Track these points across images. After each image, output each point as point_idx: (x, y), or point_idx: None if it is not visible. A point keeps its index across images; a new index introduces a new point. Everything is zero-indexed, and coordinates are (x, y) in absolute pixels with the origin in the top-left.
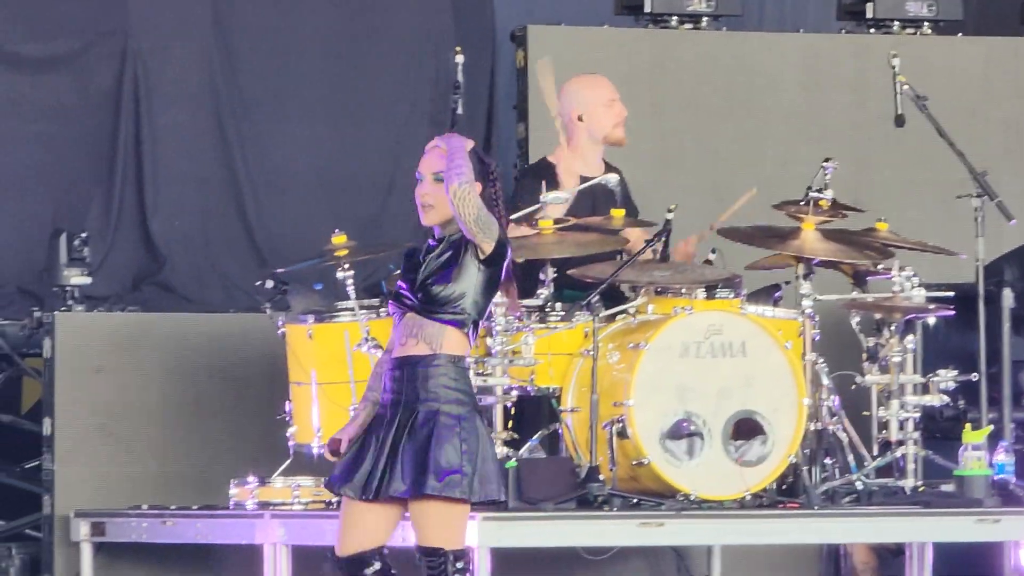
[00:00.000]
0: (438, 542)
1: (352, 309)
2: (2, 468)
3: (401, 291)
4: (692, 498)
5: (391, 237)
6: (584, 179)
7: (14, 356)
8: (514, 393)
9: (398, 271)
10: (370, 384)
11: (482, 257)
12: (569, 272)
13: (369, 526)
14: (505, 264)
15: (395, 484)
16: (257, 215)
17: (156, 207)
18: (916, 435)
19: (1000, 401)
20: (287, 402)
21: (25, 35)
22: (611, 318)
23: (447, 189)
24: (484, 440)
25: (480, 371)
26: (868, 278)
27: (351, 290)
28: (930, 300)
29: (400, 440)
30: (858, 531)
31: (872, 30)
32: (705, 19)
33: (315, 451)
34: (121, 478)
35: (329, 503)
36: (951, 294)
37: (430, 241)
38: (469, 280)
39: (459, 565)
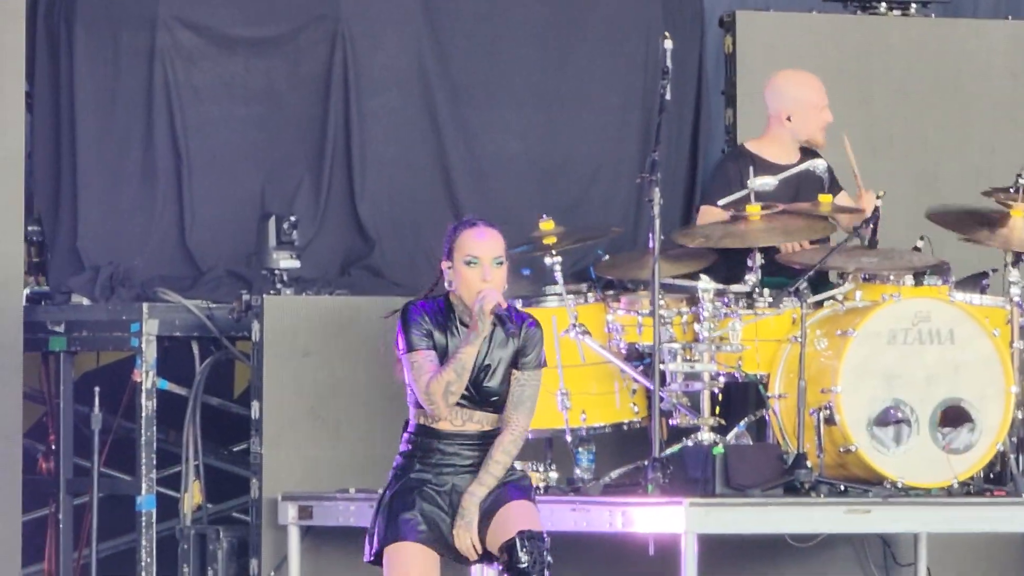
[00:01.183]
0: (540, 527)
1: (560, 294)
2: (211, 451)
3: None
4: (899, 485)
5: (598, 223)
6: (791, 165)
7: (223, 340)
8: (721, 379)
9: (606, 256)
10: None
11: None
12: (776, 258)
13: (435, 571)
14: None
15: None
16: (466, 200)
17: (364, 191)
18: None
19: None
20: None
21: (238, 19)
22: (819, 304)
23: (519, 423)
24: None
25: (687, 357)
26: None
27: (559, 275)
28: None
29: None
30: None
31: None
32: (914, 6)
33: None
34: (328, 462)
35: (537, 487)
36: None
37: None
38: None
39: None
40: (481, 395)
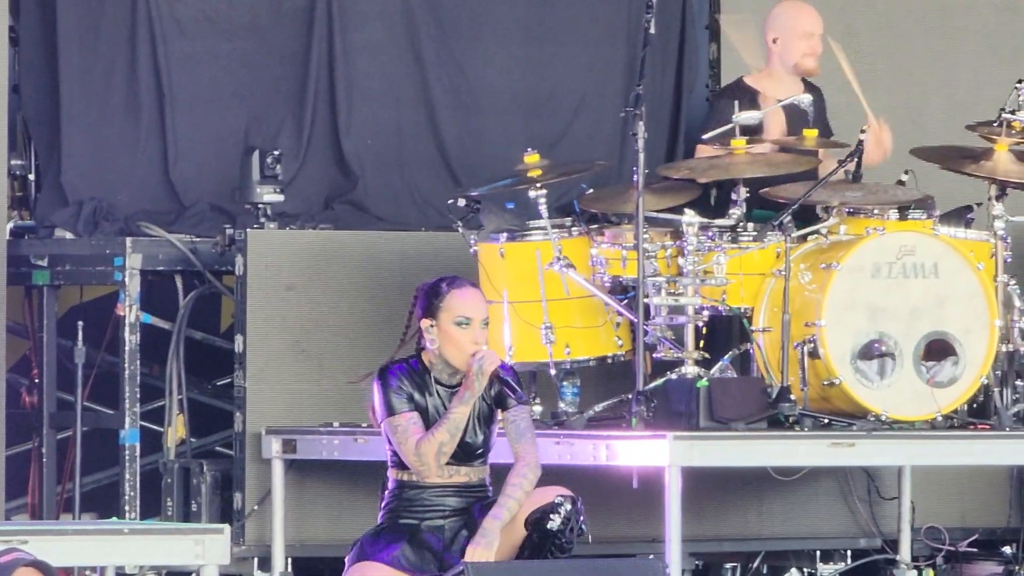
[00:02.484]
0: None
1: (544, 228)
2: (195, 385)
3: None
4: (883, 419)
5: (583, 156)
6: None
7: (206, 274)
8: (705, 313)
9: (591, 190)
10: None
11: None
12: (761, 192)
13: None
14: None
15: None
16: (450, 134)
17: (349, 125)
18: None
19: None
20: None
21: None
22: (803, 238)
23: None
24: None
25: (672, 291)
26: None
27: (543, 209)
28: None
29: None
30: None
31: None
32: None
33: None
34: (312, 395)
35: None
36: None
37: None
38: (493, 424)
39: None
40: (466, 451)
